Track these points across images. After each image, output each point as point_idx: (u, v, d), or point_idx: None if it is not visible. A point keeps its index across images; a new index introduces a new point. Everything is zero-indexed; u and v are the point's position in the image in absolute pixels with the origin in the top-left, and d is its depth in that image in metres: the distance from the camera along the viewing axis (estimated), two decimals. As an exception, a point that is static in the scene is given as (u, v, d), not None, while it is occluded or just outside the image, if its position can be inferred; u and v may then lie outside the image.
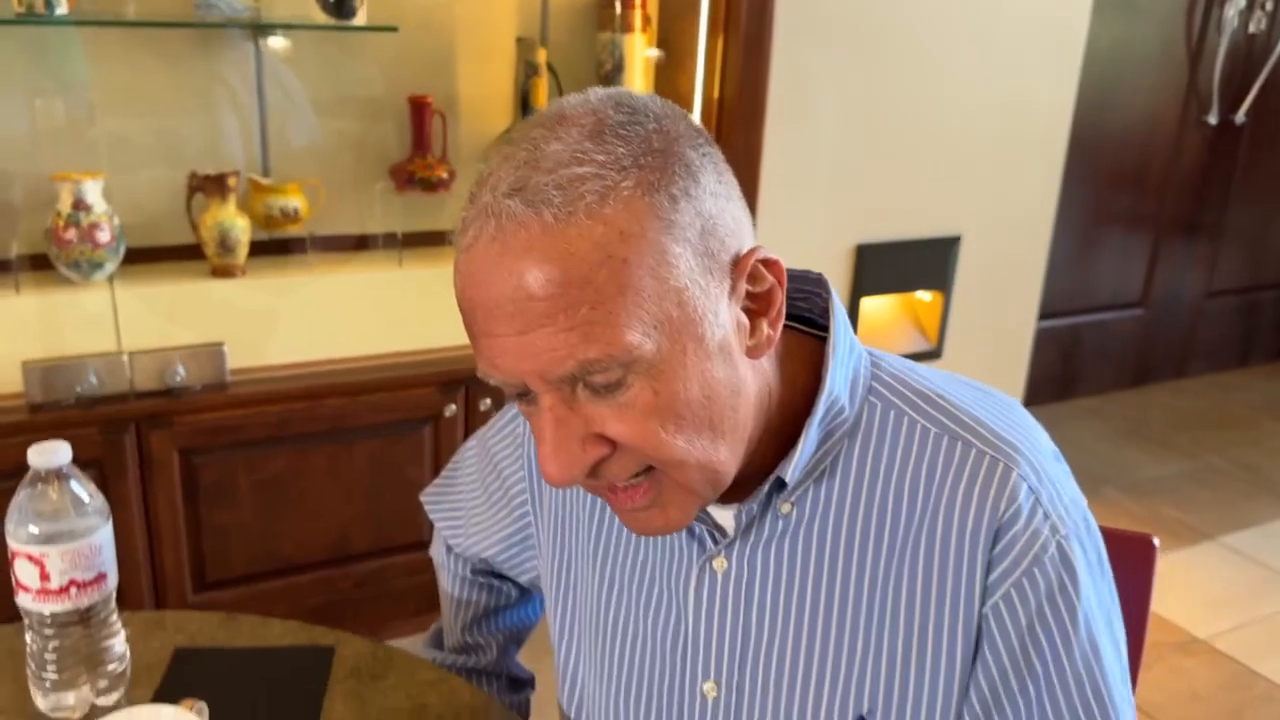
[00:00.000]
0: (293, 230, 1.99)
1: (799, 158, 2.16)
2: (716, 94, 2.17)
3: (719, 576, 0.74)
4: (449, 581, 1.02)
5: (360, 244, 2.10)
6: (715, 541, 0.74)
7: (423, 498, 1.02)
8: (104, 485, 1.75)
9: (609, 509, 0.80)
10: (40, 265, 1.83)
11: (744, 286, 0.64)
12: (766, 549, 0.73)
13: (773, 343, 0.67)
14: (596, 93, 0.63)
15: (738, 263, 0.64)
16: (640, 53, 2.18)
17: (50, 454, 0.81)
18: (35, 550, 0.80)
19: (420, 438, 1.99)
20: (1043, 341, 3.11)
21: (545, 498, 0.86)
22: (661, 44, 2.26)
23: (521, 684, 1.04)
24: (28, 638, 0.82)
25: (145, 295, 1.81)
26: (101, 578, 0.83)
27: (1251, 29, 3.45)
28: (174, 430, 1.77)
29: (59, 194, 1.77)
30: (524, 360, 0.60)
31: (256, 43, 1.94)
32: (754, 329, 0.66)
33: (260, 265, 1.94)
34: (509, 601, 1.02)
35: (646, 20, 2.19)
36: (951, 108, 2.32)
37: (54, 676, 0.80)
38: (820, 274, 0.75)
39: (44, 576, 0.80)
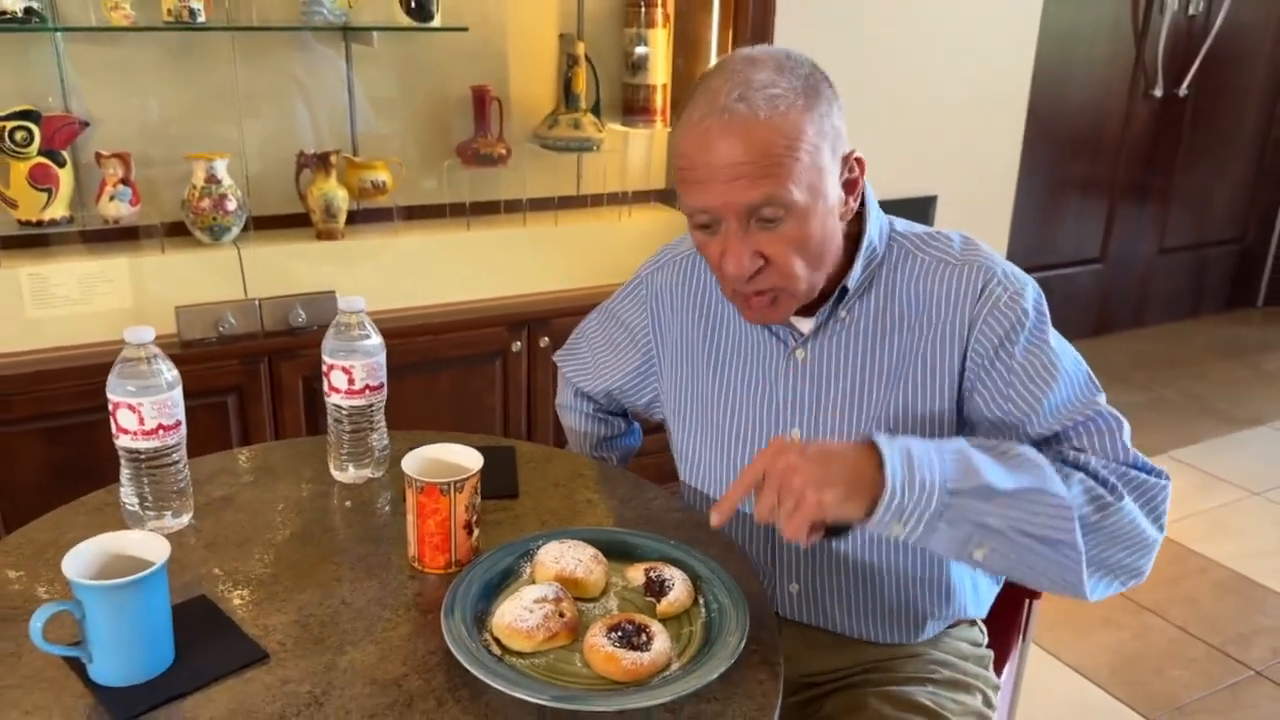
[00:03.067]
0: (381, 200, 2.36)
1: (799, 130, 2.55)
2: (728, 77, 2.56)
3: (799, 361, 1.17)
4: (575, 419, 1.45)
5: (435, 211, 2.48)
6: (796, 339, 1.17)
7: (555, 358, 1.44)
8: (241, 407, 2.13)
9: (720, 338, 1.23)
10: (175, 231, 2.20)
11: (844, 173, 1.07)
12: (830, 341, 1.16)
13: (850, 214, 1.10)
14: (769, 47, 1.05)
15: (846, 158, 1.07)
16: (662, 45, 2.57)
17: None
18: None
19: (492, 369, 2.38)
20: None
21: (667, 335, 1.28)
22: (679, 35, 2.64)
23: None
24: (329, 433, 1.21)
25: (266, 254, 2.19)
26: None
27: (1191, 11, 3.87)
28: (297, 361, 2.15)
29: (193, 171, 2.15)
30: (727, 196, 1.01)
31: (348, 42, 2.32)
32: (846, 200, 1.09)
33: (355, 230, 2.32)
34: (619, 432, 1.47)
35: (667, 17, 2.58)
36: (925, 80, 2.71)
37: (346, 455, 1.20)
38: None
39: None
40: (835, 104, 1.05)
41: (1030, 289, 1.12)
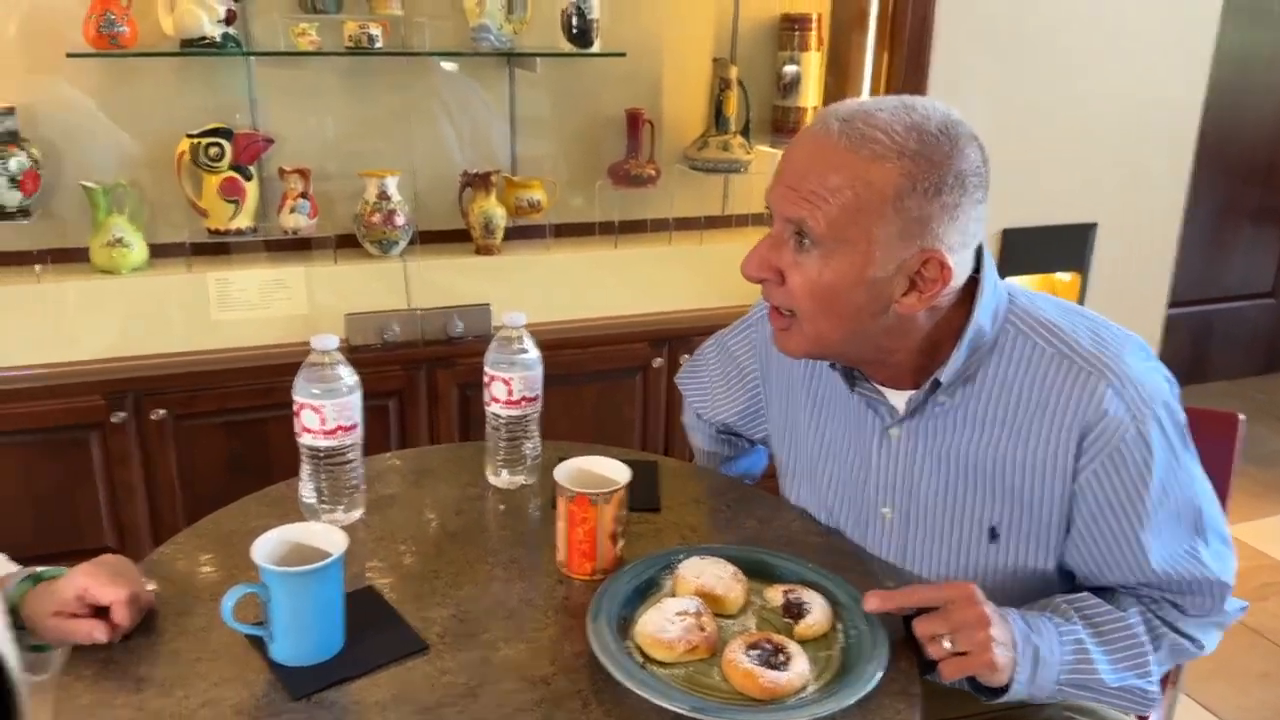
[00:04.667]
0: (536, 218, 2.46)
1: (951, 154, 2.51)
2: (880, 101, 2.55)
3: (893, 440, 1.15)
4: (702, 439, 1.48)
5: (584, 230, 2.56)
6: (892, 417, 1.14)
7: (677, 381, 1.49)
8: (401, 411, 2.25)
9: (822, 396, 1.22)
10: (346, 244, 2.35)
11: (917, 267, 1.00)
12: (926, 424, 1.12)
13: (911, 311, 1.02)
14: (941, 109, 1.01)
15: (924, 251, 0.99)
16: (814, 69, 2.58)
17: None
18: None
19: (633, 384, 2.44)
20: (1174, 327, 3.36)
21: (773, 379, 1.29)
22: (832, 59, 2.65)
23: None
24: (487, 439, 1.29)
25: (429, 266, 2.32)
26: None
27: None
28: (454, 370, 2.25)
29: (366, 187, 2.29)
30: (780, 200, 1.01)
31: (511, 67, 2.43)
32: (907, 294, 1.01)
33: (511, 246, 2.42)
34: (743, 451, 1.49)
35: (821, 40, 2.60)
36: (1088, 105, 2.62)
37: (501, 462, 1.27)
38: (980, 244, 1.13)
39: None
40: (946, 196, 0.97)
41: (1160, 408, 1.04)
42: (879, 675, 0.95)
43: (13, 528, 2.03)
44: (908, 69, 2.47)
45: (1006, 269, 2.83)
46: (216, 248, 2.26)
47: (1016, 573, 1.12)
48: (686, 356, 2.44)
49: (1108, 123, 2.68)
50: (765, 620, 1.05)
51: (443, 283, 2.32)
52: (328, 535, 1.00)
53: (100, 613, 0.97)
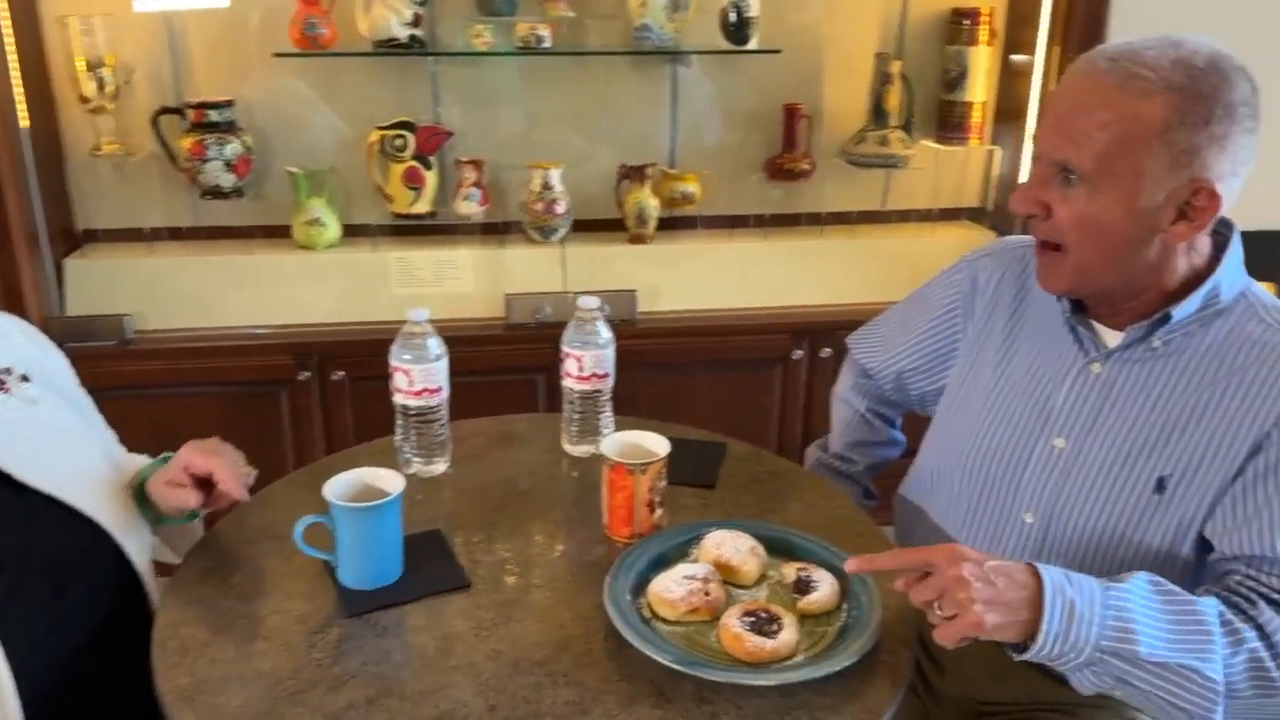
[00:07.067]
0: (688, 210, 2.56)
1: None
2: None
3: (1091, 374, 1.17)
4: (846, 411, 1.53)
5: (736, 222, 2.63)
6: (1097, 351, 1.16)
7: (849, 340, 1.53)
8: (549, 385, 2.41)
9: (1022, 329, 1.25)
10: (510, 229, 2.54)
11: (1187, 196, 1.04)
12: (1132, 365, 1.14)
13: (1180, 239, 1.07)
14: (1208, 43, 1.03)
15: (1194, 181, 1.03)
16: (984, 62, 2.53)
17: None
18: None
19: (772, 374, 2.49)
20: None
21: (973, 317, 1.31)
22: (1008, 53, 2.59)
23: (870, 496, 1.53)
24: (564, 410, 1.41)
25: (584, 253, 2.47)
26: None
27: None
28: (598, 350, 2.40)
29: (532, 178, 2.46)
30: (1050, 141, 1.07)
31: (672, 64, 2.54)
32: (1176, 222, 1.05)
33: (663, 236, 2.53)
34: (881, 439, 1.53)
35: (993, 34, 2.54)
36: (1272, 99, 2.42)
37: (575, 432, 1.40)
38: (1233, 222, 1.15)
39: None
40: (1214, 127, 1.01)
41: None
42: (862, 650, 0.99)
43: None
44: (1079, 64, 2.38)
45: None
46: (399, 229, 2.50)
47: (1166, 529, 1.12)
48: (829, 351, 2.50)
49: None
50: (775, 593, 1.11)
51: (596, 268, 2.46)
52: (393, 479, 1.15)
53: (205, 487, 1.16)
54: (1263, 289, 1.14)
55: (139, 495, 1.21)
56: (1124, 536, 1.13)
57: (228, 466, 1.15)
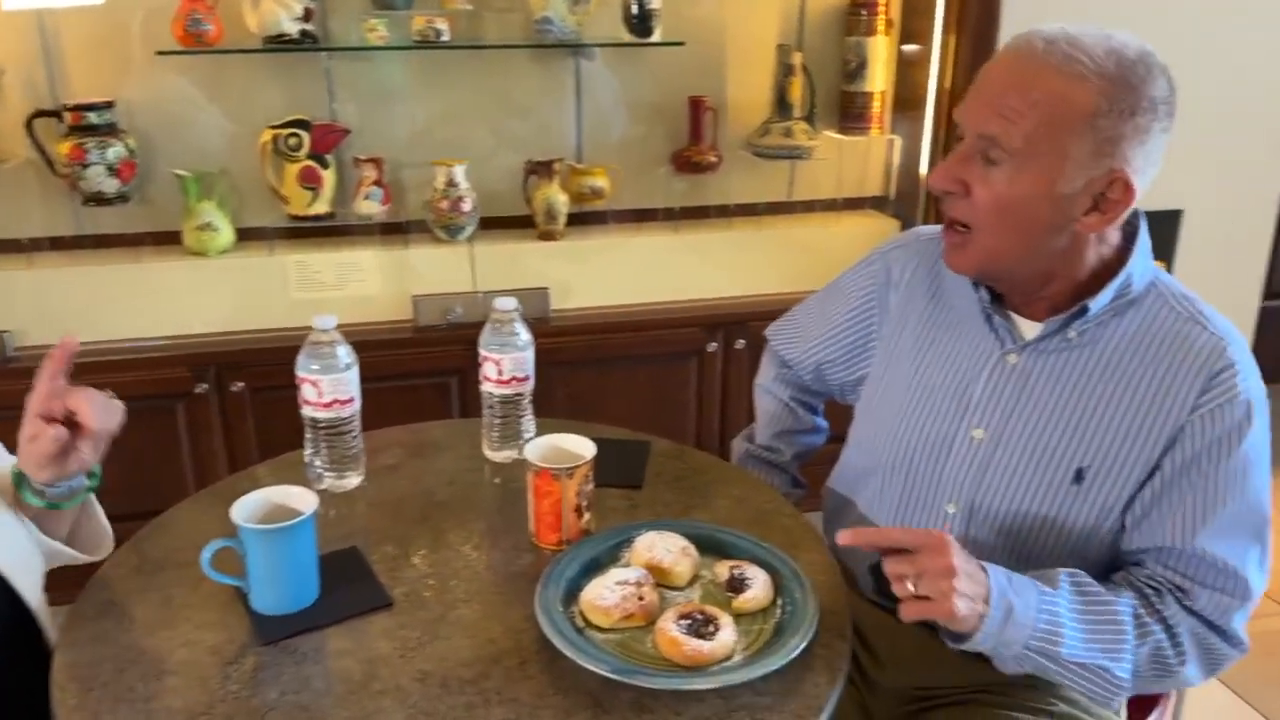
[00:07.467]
0: (597, 205, 2.52)
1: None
2: (948, 85, 2.50)
3: (1008, 365, 1.17)
4: (769, 402, 1.51)
5: (645, 215, 2.61)
6: (1014, 342, 1.17)
7: (767, 332, 1.51)
8: (463, 388, 2.36)
9: (938, 319, 1.25)
10: (414, 229, 2.47)
11: (1103, 187, 1.04)
12: (1047, 355, 1.15)
13: (1090, 230, 1.08)
14: (1136, 40, 1.05)
15: (1112, 172, 1.03)
16: (882, 52, 2.55)
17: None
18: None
19: (688, 368, 2.48)
20: (1269, 321, 3.17)
21: (889, 309, 1.31)
22: (904, 43, 2.62)
23: (799, 484, 1.52)
24: (484, 416, 1.36)
25: (493, 251, 2.41)
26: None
27: None
28: (510, 351, 2.35)
29: (435, 175, 2.40)
30: (974, 115, 1.06)
31: (575, 58, 2.50)
32: (1089, 213, 1.06)
33: (572, 231, 2.50)
34: (805, 427, 1.51)
35: (889, 24, 2.57)
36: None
37: (496, 438, 1.35)
38: (1140, 210, 1.16)
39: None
40: (1139, 119, 1.02)
41: (1264, 401, 1.10)
42: (799, 647, 0.98)
43: (102, 489, 2.22)
44: (975, 52, 2.42)
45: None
46: (297, 232, 2.41)
47: (1086, 519, 1.14)
48: (743, 343, 2.50)
49: (1197, 108, 2.55)
50: (709, 593, 1.09)
51: (506, 267, 2.41)
52: (304, 497, 1.09)
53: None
54: (1171, 278, 1.17)
55: (17, 483, 1.10)
56: (1044, 526, 1.15)
57: (80, 394, 1.05)
